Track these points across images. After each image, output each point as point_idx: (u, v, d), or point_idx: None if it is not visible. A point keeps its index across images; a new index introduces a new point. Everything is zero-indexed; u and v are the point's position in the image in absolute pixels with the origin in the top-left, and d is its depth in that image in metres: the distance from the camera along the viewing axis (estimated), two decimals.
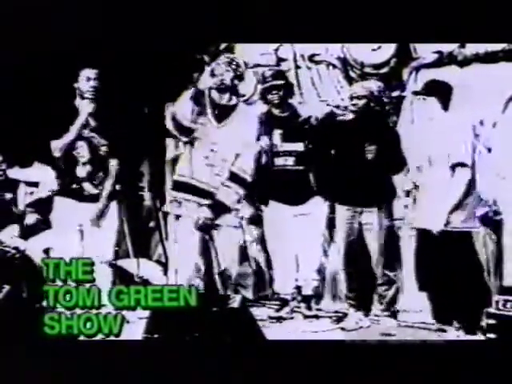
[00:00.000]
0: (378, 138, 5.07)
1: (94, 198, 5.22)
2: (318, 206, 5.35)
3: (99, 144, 5.20)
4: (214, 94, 5.18)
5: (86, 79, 5.16)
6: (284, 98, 5.35)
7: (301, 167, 5.32)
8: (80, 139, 5.20)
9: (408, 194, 5.14)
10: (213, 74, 5.13)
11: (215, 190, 5.17)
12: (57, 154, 5.18)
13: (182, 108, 5.14)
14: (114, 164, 5.23)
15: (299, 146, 5.32)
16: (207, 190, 5.17)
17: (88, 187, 5.20)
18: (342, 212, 5.20)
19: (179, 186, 5.21)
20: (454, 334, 4.82)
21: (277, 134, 5.35)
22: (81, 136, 5.19)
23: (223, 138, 5.15)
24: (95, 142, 5.21)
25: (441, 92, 4.91)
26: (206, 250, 5.24)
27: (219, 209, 5.20)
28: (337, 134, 5.28)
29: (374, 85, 5.21)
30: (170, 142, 5.84)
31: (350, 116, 5.23)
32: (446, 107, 4.90)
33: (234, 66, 5.13)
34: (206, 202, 5.17)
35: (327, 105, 5.53)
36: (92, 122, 5.20)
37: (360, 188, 5.08)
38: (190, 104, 5.12)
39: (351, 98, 5.17)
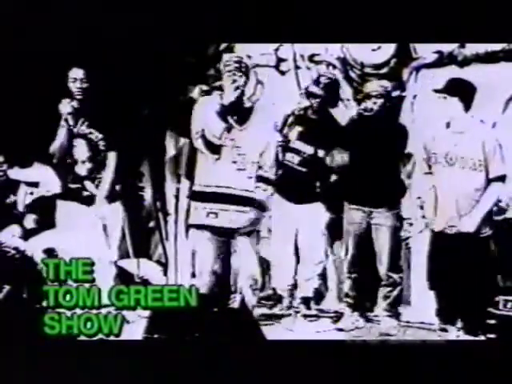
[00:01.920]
0: (391, 137, 5.09)
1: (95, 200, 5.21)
2: (319, 208, 5.36)
3: (97, 139, 5.19)
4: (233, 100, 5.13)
5: (73, 80, 5.15)
6: (323, 106, 5.37)
7: (303, 169, 5.33)
8: (77, 137, 5.18)
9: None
10: (236, 87, 5.07)
11: (252, 194, 5.11)
12: (56, 157, 5.18)
13: (210, 126, 5.06)
14: (112, 157, 5.21)
15: (309, 150, 5.33)
16: (246, 196, 5.09)
17: (90, 186, 5.18)
18: (352, 212, 5.20)
19: (210, 197, 5.08)
20: (454, 333, 4.81)
21: (296, 130, 5.36)
22: (77, 134, 5.17)
23: (247, 141, 5.09)
24: (93, 137, 5.19)
25: (464, 92, 4.90)
26: (227, 258, 5.19)
27: (260, 208, 5.15)
28: (352, 133, 5.28)
29: (388, 84, 5.23)
30: (169, 141, 5.82)
31: (367, 114, 5.22)
32: (467, 108, 4.89)
33: (244, 69, 5.11)
34: (248, 208, 5.10)
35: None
36: (71, 121, 5.17)
37: (371, 188, 5.08)
38: (218, 121, 5.05)
39: (368, 96, 5.18)
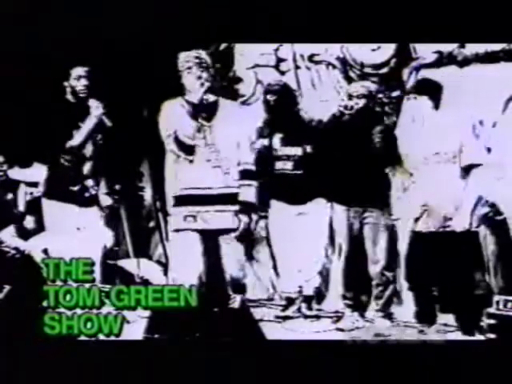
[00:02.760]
0: (376, 138, 5.11)
1: (92, 202, 5.20)
2: (319, 207, 5.36)
3: (98, 138, 5.18)
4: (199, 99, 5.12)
5: (77, 78, 5.14)
6: (284, 105, 5.36)
7: (299, 171, 5.33)
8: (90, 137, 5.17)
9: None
10: (202, 83, 5.06)
11: (235, 189, 5.11)
12: (69, 154, 5.12)
13: (183, 127, 5.06)
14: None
15: (298, 151, 5.33)
16: (228, 192, 5.10)
17: (91, 184, 5.16)
18: (341, 212, 5.22)
19: (189, 200, 5.09)
20: (433, 334, 4.84)
21: (277, 137, 5.36)
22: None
23: (218, 137, 5.09)
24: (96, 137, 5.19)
25: (431, 91, 4.95)
26: (212, 258, 5.19)
27: (249, 209, 5.14)
28: (336, 133, 5.29)
29: (372, 85, 5.24)
30: None
31: (349, 115, 5.25)
32: (436, 106, 4.94)
33: (204, 65, 5.09)
34: (231, 207, 5.10)
35: (338, 106, 5.51)
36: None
37: (359, 188, 5.10)
38: (191, 121, 5.06)
39: (350, 97, 5.20)
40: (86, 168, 5.15)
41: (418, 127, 4.99)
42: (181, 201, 5.13)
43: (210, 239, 5.13)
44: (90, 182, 5.14)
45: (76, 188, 5.14)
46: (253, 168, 5.15)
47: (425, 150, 4.93)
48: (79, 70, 5.13)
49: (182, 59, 5.08)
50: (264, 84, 5.69)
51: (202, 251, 5.15)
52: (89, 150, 5.14)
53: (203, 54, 5.12)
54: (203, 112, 5.08)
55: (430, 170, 4.91)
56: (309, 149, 5.32)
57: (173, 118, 5.08)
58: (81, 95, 5.16)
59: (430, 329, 4.88)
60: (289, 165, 5.32)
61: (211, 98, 5.13)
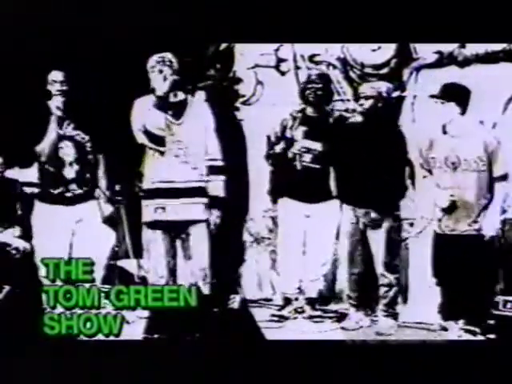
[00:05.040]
0: (385, 139, 5.10)
1: (77, 199, 5.21)
2: (332, 208, 5.36)
3: (83, 140, 5.21)
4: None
5: (53, 82, 5.18)
6: (320, 99, 5.40)
7: (316, 166, 5.34)
8: (64, 138, 5.20)
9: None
10: (164, 77, 5.17)
11: (203, 184, 5.19)
12: (43, 158, 5.20)
13: (151, 119, 5.18)
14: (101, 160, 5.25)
15: (318, 146, 5.35)
16: (196, 186, 5.19)
17: (74, 188, 5.19)
18: (348, 212, 5.22)
19: (158, 193, 5.19)
20: (456, 333, 4.82)
21: (300, 130, 5.38)
22: (64, 135, 5.20)
23: (186, 134, 5.19)
24: (79, 139, 5.22)
25: (459, 96, 4.97)
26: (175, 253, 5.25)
27: (220, 203, 5.21)
28: (346, 135, 5.30)
29: (383, 86, 5.24)
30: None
31: (358, 118, 5.27)
32: (464, 111, 4.97)
33: (168, 63, 5.17)
34: (200, 199, 5.18)
35: (336, 110, 5.53)
36: (62, 117, 5.20)
37: (367, 189, 5.10)
38: (158, 112, 5.17)
39: (359, 98, 5.22)
40: (68, 173, 5.19)
41: (441, 132, 5.01)
42: (151, 194, 5.21)
43: (175, 231, 5.21)
44: (73, 187, 5.18)
45: (57, 191, 5.18)
46: (220, 163, 5.22)
47: (450, 155, 4.95)
48: (56, 75, 5.16)
49: (149, 63, 5.19)
50: (264, 84, 5.71)
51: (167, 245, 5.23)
52: (70, 154, 5.19)
53: (168, 55, 5.21)
54: (171, 108, 5.19)
55: (455, 175, 4.93)
56: (320, 146, 5.35)
57: (142, 112, 5.20)
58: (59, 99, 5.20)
59: (454, 325, 4.88)
60: (307, 157, 5.35)
61: (181, 95, 5.23)
